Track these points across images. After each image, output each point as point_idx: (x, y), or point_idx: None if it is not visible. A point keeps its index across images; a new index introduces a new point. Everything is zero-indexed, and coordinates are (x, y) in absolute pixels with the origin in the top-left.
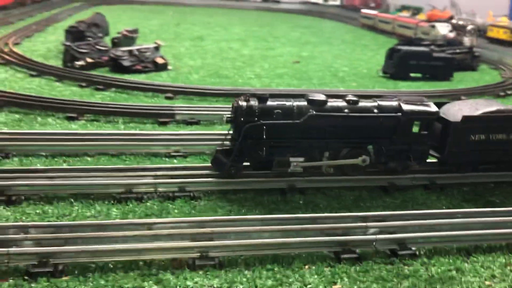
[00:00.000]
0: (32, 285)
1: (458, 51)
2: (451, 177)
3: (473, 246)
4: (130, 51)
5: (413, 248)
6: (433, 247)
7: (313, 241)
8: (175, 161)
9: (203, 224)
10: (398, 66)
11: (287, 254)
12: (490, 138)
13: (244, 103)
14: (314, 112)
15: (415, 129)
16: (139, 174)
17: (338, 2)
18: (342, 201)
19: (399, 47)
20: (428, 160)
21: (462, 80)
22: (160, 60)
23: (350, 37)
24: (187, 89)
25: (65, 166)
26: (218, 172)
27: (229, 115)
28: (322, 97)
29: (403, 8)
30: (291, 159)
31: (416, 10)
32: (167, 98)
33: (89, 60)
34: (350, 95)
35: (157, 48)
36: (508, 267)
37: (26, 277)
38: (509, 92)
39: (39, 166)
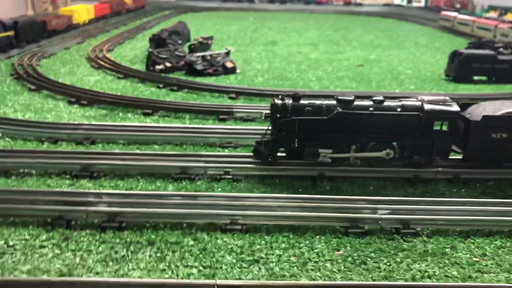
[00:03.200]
0: (102, 235)
1: None
2: (474, 172)
3: (475, 230)
4: (203, 57)
5: (417, 229)
6: (437, 229)
7: (326, 216)
8: (226, 150)
9: (236, 199)
10: (460, 69)
11: (302, 226)
12: None
13: (280, 102)
14: (341, 110)
15: (438, 127)
16: (193, 159)
17: (422, 4)
18: (366, 189)
19: (461, 50)
20: (453, 157)
21: None
22: (229, 64)
23: (424, 40)
24: (248, 90)
25: (136, 151)
26: (258, 160)
27: (268, 112)
28: (350, 97)
29: (490, 8)
30: (320, 150)
31: (504, 11)
32: (230, 98)
33: (167, 64)
34: (378, 96)
35: (227, 53)
36: (502, 249)
37: (98, 230)
38: None
39: (116, 151)
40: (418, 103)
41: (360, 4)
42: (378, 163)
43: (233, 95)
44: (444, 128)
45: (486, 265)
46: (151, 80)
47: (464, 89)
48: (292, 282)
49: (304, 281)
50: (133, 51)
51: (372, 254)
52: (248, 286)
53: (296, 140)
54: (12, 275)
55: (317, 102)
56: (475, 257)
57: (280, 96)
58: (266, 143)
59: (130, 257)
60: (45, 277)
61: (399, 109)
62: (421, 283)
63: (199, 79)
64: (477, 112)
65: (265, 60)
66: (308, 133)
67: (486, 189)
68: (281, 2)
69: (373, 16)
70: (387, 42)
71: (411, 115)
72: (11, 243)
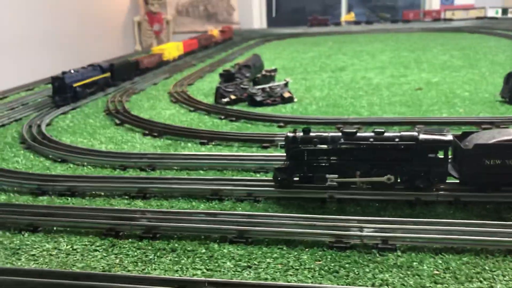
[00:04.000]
0: (139, 243)
1: None
2: (474, 195)
3: (449, 247)
4: (263, 88)
5: (397, 245)
6: (413, 246)
7: (317, 232)
8: (257, 175)
9: (247, 216)
10: None
11: (296, 240)
12: (507, 163)
13: (291, 134)
14: (343, 140)
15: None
16: (224, 183)
17: None
18: (368, 209)
19: None
20: (454, 181)
21: None
22: (286, 94)
23: (502, 58)
24: (296, 119)
25: (182, 176)
26: (276, 184)
27: (282, 143)
28: (353, 129)
29: None
30: (327, 175)
31: None
32: (279, 126)
33: (232, 97)
34: (377, 129)
35: (286, 84)
36: (466, 265)
37: (137, 239)
38: None
39: (168, 176)
40: (415, 133)
41: (450, 20)
42: (382, 187)
43: (281, 124)
44: (440, 155)
45: (444, 277)
46: (215, 112)
47: None
48: (264, 282)
49: (276, 282)
50: (211, 84)
51: (347, 265)
52: (233, 284)
53: (305, 167)
54: (70, 269)
55: (324, 134)
56: (437, 270)
57: (292, 130)
58: (281, 169)
59: (155, 260)
60: (90, 271)
61: (397, 139)
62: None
63: (257, 110)
64: (473, 140)
65: (325, 87)
66: (315, 161)
67: (481, 211)
68: (367, 23)
69: (460, 32)
70: (460, 62)
71: (406, 144)
72: (75, 247)
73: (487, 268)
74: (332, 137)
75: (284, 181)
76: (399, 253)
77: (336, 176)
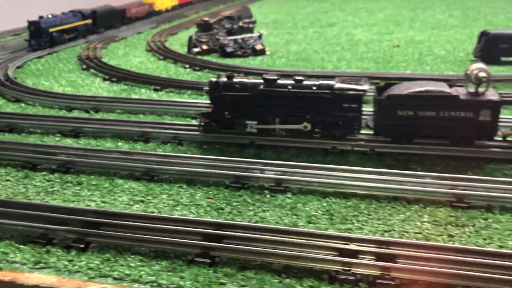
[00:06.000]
0: (47, 177)
1: None
2: (387, 146)
3: (333, 192)
4: (235, 40)
5: (290, 186)
6: (307, 189)
7: (220, 173)
8: (194, 120)
9: (157, 156)
10: (486, 50)
11: (202, 180)
12: (419, 114)
13: (214, 79)
14: (262, 87)
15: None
16: (153, 126)
17: None
18: (283, 155)
19: (489, 30)
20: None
21: None
22: (258, 47)
23: (501, 19)
24: (258, 71)
25: (113, 117)
26: (200, 128)
27: (206, 88)
28: (274, 76)
29: None
30: (247, 121)
31: None
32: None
33: (204, 47)
34: (299, 76)
35: (260, 37)
36: (348, 208)
37: (51, 172)
38: None
39: (103, 117)
40: (332, 82)
41: None
42: (301, 135)
43: (241, 75)
44: (354, 105)
45: (320, 218)
46: (183, 61)
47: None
48: (147, 214)
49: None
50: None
51: (235, 203)
52: (106, 213)
53: (226, 113)
54: None
55: (245, 80)
56: (315, 211)
57: (216, 76)
58: (205, 114)
59: (59, 191)
60: None
61: (314, 88)
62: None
63: (225, 61)
64: (392, 90)
65: (305, 42)
66: (236, 107)
67: (393, 161)
68: None
69: None
70: (455, 22)
71: (323, 93)
72: None
73: (365, 212)
74: (253, 84)
75: (207, 126)
76: (289, 195)
77: (255, 122)
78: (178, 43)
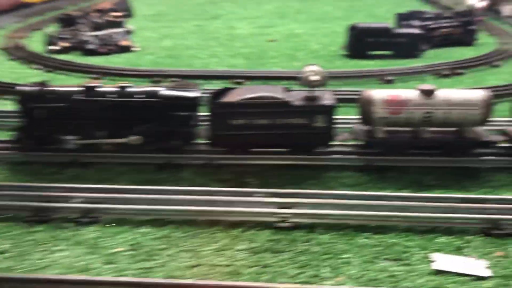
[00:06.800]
0: None
1: (447, 24)
2: (225, 158)
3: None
4: (97, 35)
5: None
6: (118, 218)
7: (12, 205)
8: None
9: None
10: (354, 44)
11: None
12: (253, 122)
13: (24, 88)
14: (78, 97)
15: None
16: None
17: None
18: (108, 174)
19: (356, 24)
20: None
21: (437, 56)
22: (124, 43)
23: (383, 11)
24: (115, 71)
25: None
26: (16, 145)
27: (17, 97)
28: (93, 84)
29: None
30: (66, 137)
31: None
32: (95, 79)
33: (64, 44)
34: (123, 83)
35: (128, 32)
36: (160, 239)
37: None
38: (459, 71)
39: None
40: (156, 89)
41: None
42: (131, 149)
43: (97, 76)
44: (186, 113)
45: (121, 253)
46: (38, 62)
47: (353, 66)
48: None
49: None
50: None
51: (23, 243)
52: None
53: (43, 126)
54: None
55: (62, 89)
56: (119, 247)
57: (29, 84)
58: (20, 129)
59: None
60: None
61: (139, 96)
62: None
63: (87, 59)
64: (225, 97)
65: (180, 37)
66: (51, 119)
67: (230, 175)
68: None
69: None
70: (340, 14)
71: (149, 101)
72: None
73: (177, 243)
74: (69, 93)
75: (21, 142)
76: (94, 228)
77: (76, 137)
78: (42, 39)
